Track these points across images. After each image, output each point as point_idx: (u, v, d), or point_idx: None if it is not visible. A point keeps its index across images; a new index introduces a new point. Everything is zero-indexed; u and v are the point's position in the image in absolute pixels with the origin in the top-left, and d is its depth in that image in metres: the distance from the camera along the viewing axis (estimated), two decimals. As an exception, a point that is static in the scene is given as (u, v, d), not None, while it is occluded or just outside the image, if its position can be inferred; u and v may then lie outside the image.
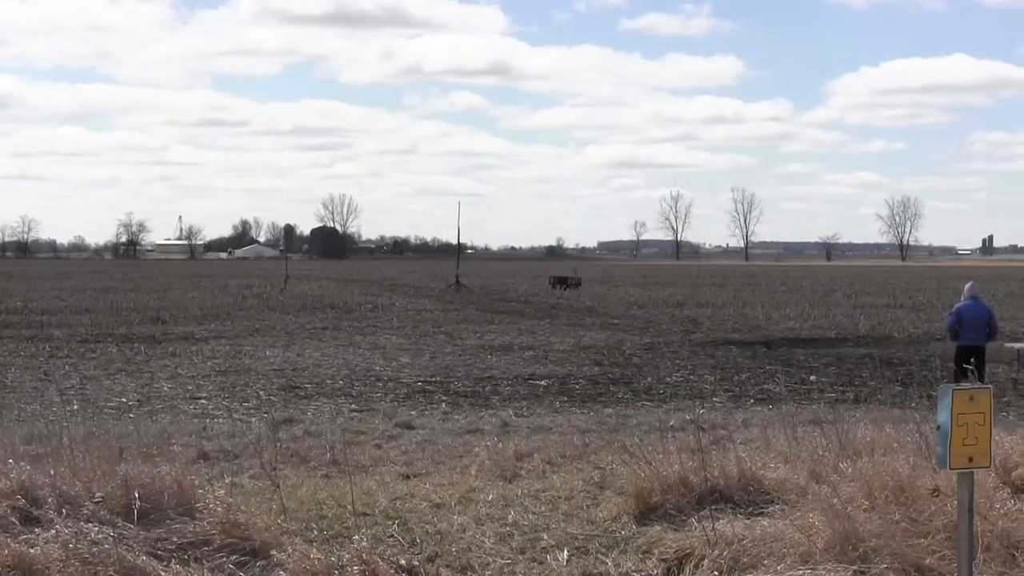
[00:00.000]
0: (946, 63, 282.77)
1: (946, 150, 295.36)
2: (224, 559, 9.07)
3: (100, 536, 8.93)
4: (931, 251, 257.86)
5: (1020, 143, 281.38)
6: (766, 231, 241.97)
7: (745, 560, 9.89)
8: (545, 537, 10.86)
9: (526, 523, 11.33)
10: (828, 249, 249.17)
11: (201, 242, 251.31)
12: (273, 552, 9.15)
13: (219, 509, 9.78)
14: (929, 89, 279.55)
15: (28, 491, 9.68)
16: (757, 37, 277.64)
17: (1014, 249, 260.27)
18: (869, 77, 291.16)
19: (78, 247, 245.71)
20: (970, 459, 8.25)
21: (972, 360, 21.09)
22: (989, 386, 9.12)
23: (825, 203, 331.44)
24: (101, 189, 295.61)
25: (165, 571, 8.70)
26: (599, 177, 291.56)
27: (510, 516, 11.56)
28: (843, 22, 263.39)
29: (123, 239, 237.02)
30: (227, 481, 11.65)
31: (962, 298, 22.11)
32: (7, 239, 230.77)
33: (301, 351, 32.82)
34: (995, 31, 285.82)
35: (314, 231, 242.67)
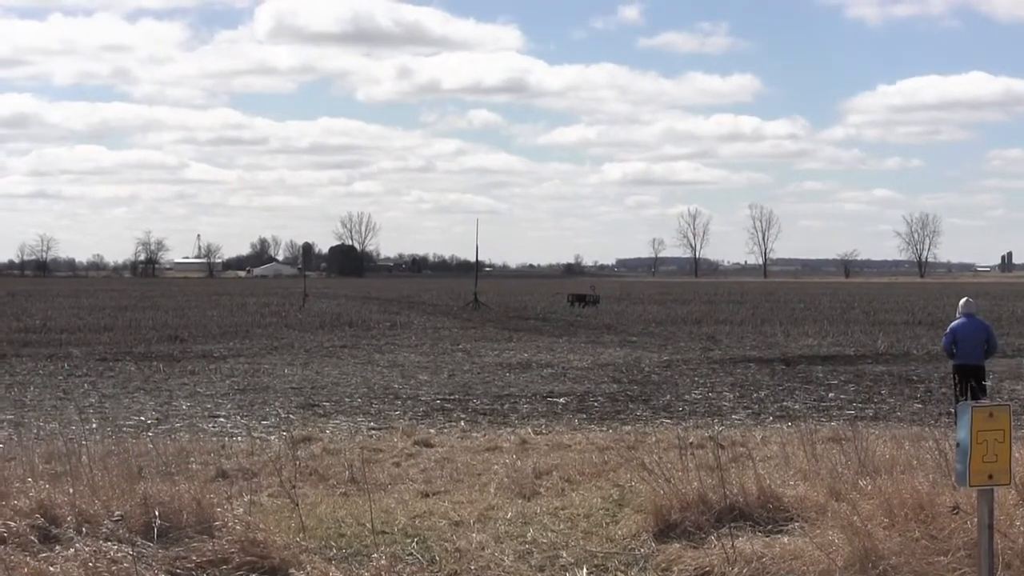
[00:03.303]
0: (962, 80, 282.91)
1: (963, 167, 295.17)
2: (243, 576, 9.07)
3: (119, 555, 8.94)
4: (950, 268, 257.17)
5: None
6: (784, 248, 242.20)
7: (765, 577, 9.90)
8: (564, 555, 10.85)
9: (545, 541, 11.31)
10: (846, 266, 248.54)
11: (219, 260, 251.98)
12: (292, 571, 9.16)
13: (238, 527, 9.79)
14: (945, 106, 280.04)
15: (47, 509, 9.70)
16: (774, 55, 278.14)
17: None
18: (885, 94, 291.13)
19: (96, 265, 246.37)
20: (990, 476, 8.24)
21: (971, 378, 21.15)
22: (1008, 404, 9.11)
23: (843, 220, 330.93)
24: (119, 207, 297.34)
25: (184, 589, 8.72)
26: (616, 194, 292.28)
27: (529, 534, 11.55)
28: (859, 40, 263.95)
29: (141, 257, 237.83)
30: (246, 499, 11.65)
31: (959, 314, 21.98)
32: (26, 258, 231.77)
33: (320, 369, 32.82)
34: (1011, 48, 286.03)
35: (332, 249, 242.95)
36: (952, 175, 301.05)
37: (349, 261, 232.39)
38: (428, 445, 18.01)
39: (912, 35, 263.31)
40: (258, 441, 18.41)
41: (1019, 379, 26.86)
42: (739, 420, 21.54)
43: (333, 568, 8.94)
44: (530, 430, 19.98)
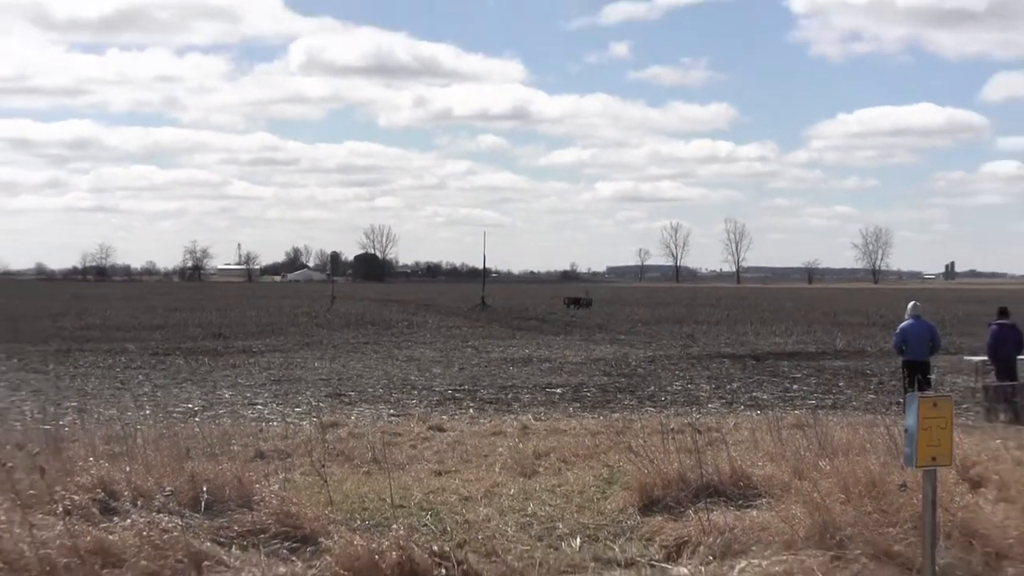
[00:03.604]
0: (912, 110, 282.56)
1: (912, 187, 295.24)
2: (278, 545, 9.09)
3: (170, 525, 8.96)
4: (900, 275, 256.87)
5: (976, 181, 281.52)
6: (755, 257, 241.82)
7: (736, 547, 9.89)
8: (560, 526, 10.86)
9: (543, 514, 11.32)
10: (809, 274, 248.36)
11: (257, 267, 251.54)
12: (321, 539, 9.17)
13: (274, 501, 9.80)
14: (897, 133, 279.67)
15: (107, 485, 9.72)
16: (747, 87, 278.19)
17: (973, 274, 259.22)
18: (845, 122, 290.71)
19: (149, 271, 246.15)
20: (933, 458, 8.27)
21: (918, 373, 21.17)
22: (950, 395, 9.14)
23: (807, 233, 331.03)
24: (169, 220, 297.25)
25: (227, 555, 8.72)
26: (607, 209, 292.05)
27: (529, 508, 11.56)
28: (822, 74, 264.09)
29: (188, 264, 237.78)
30: (281, 477, 11.70)
31: (907, 316, 21.98)
32: (87, 264, 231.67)
33: (345, 363, 32.88)
34: (956, 82, 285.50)
35: (357, 257, 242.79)
36: (903, 194, 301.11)
37: (371, 268, 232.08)
38: (441, 430, 18.03)
39: (869, 70, 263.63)
40: (291, 426, 18.43)
41: (959, 373, 26.84)
42: (714, 409, 21.56)
43: (357, 537, 8.95)
44: (530, 417, 19.99)
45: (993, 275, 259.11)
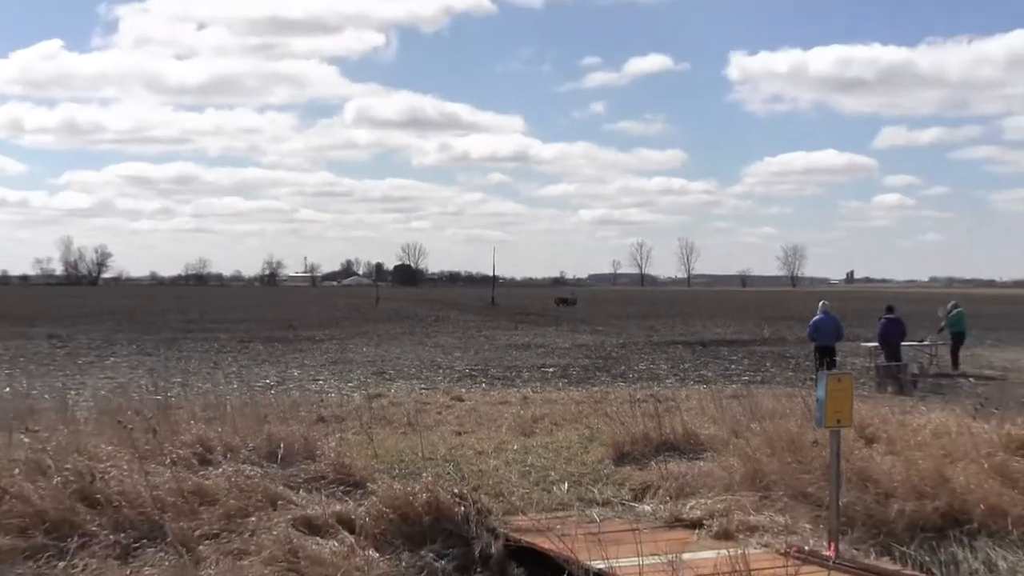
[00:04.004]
0: (820, 155, 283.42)
1: (821, 213, 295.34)
2: (335, 488, 9.09)
3: (252, 473, 8.98)
4: (812, 281, 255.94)
5: (869, 209, 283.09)
6: (701, 267, 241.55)
7: (687, 489, 9.90)
8: (552, 474, 10.87)
9: (539, 464, 11.33)
10: (743, 279, 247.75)
11: (319, 275, 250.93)
12: (368, 484, 9.18)
13: (331, 455, 9.81)
14: (809, 172, 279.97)
15: (204, 442, 9.74)
16: (695, 137, 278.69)
17: (867, 279, 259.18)
18: (770, 164, 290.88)
19: (236, 278, 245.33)
20: (838, 421, 8.27)
21: (827, 356, 21.18)
22: (850, 373, 9.14)
23: (741, 248, 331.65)
24: (252, 238, 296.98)
25: (295, 496, 8.73)
26: (587, 230, 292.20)
27: (528, 460, 11.57)
28: (752, 126, 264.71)
29: (266, 272, 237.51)
30: (337, 436, 11.70)
31: (818, 312, 22.00)
32: (189, 272, 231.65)
33: (387, 348, 32.90)
34: (852, 133, 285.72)
35: (395, 267, 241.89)
36: (813, 218, 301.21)
37: (407, 275, 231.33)
38: (460, 400, 18.04)
39: (787, 124, 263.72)
40: (345, 397, 18.47)
41: (857, 356, 26.81)
42: (671, 383, 21.55)
43: (396, 483, 8.95)
44: (529, 390, 19.99)
45: (883, 280, 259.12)
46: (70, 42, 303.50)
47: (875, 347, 24.10)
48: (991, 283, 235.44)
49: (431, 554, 7.87)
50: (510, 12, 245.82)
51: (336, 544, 7.81)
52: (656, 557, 7.48)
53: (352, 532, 8.07)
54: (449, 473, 10.47)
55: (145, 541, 7.70)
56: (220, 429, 10.15)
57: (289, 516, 8.20)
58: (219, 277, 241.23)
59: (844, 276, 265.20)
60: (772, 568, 7.29)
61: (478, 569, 7.89)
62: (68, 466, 8.53)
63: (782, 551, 8.14)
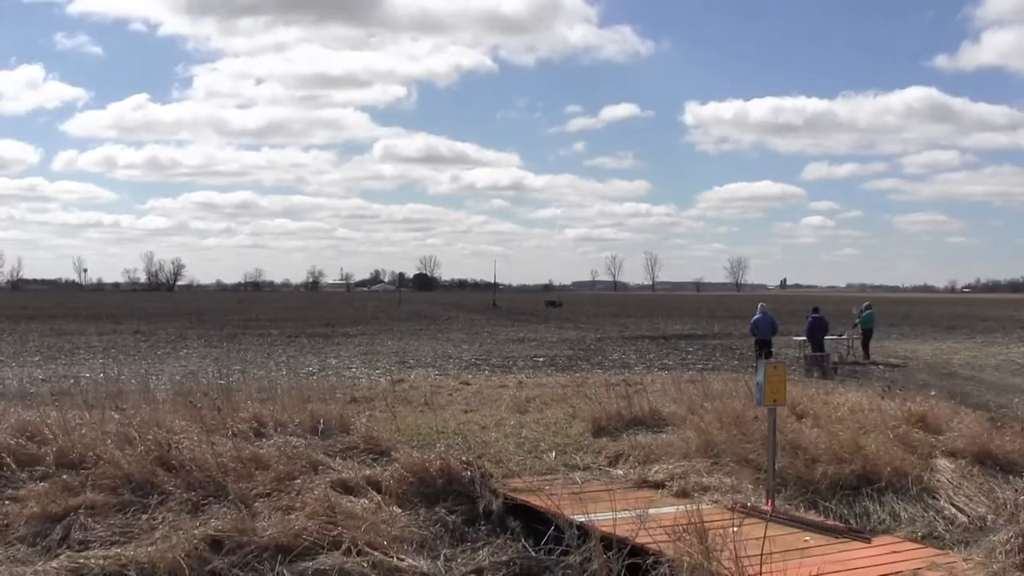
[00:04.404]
0: (759, 185, 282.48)
1: (760, 232, 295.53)
2: (365, 456, 9.05)
3: (297, 443, 8.96)
4: (753, 287, 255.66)
5: (798, 229, 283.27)
6: (664, 275, 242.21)
7: (652, 457, 9.89)
8: (542, 444, 10.84)
9: (532, 437, 11.30)
10: (697, 286, 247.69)
11: (353, 282, 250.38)
12: (392, 453, 9.16)
13: (362, 429, 9.79)
14: (750, 199, 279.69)
15: (259, 418, 9.72)
16: (659, 169, 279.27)
17: (797, 286, 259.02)
18: (719, 192, 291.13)
19: (285, 285, 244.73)
20: (774, 400, 8.27)
21: (765, 348, 21.20)
22: (784, 362, 9.13)
23: (696, 261, 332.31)
24: (298, 253, 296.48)
25: (333, 463, 8.70)
26: (572, 245, 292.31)
27: (523, 433, 11.54)
28: (704, 162, 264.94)
29: (310, 280, 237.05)
30: (367, 414, 11.65)
31: (757, 312, 22.00)
32: (247, 280, 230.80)
33: (408, 342, 32.83)
34: (785, 168, 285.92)
35: (415, 276, 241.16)
36: (754, 236, 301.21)
37: (424, 283, 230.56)
38: (467, 384, 17.99)
39: (733, 160, 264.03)
40: (373, 381, 18.39)
41: (789, 347, 26.80)
42: (639, 370, 21.50)
43: (415, 452, 8.92)
44: (524, 376, 19.95)
45: (809, 286, 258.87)
46: (155, 95, 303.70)
47: (803, 340, 24.09)
48: (895, 288, 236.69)
49: (443, 510, 7.84)
50: (508, 70, 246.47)
51: (366, 502, 7.79)
52: (627, 512, 7.47)
53: (379, 492, 8.04)
54: (458, 444, 10.44)
55: (211, 499, 7.68)
56: (272, 408, 10.13)
57: (328, 479, 8.17)
58: (271, 284, 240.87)
59: (779, 283, 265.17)
60: (721, 520, 7.27)
61: (482, 523, 7.85)
62: (149, 437, 8.51)
63: (729, 507, 8.13)
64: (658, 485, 9.01)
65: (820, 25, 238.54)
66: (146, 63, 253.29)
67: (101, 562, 6.62)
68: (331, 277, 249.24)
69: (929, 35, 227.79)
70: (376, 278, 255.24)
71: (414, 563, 6.88)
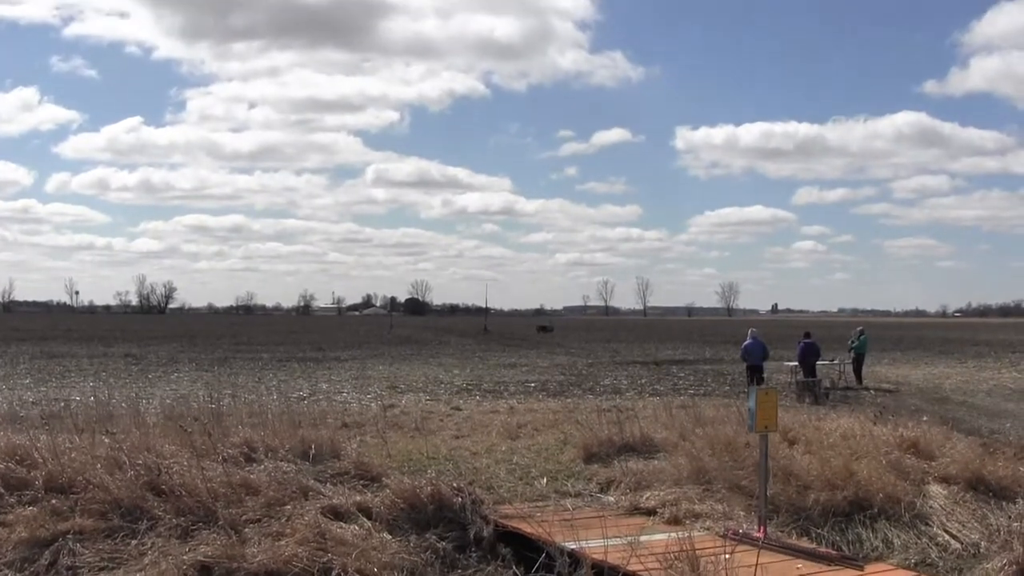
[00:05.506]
0: (750, 209, 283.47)
1: (751, 257, 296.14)
2: (356, 482, 9.01)
3: (288, 469, 8.91)
4: (744, 312, 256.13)
5: (790, 253, 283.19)
6: (655, 300, 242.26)
7: (643, 483, 9.85)
8: (533, 470, 10.81)
9: (523, 463, 11.27)
10: (689, 311, 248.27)
11: (345, 306, 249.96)
12: (383, 479, 9.11)
13: (353, 454, 9.74)
14: (741, 223, 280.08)
15: (249, 443, 9.67)
16: (651, 194, 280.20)
17: (788, 311, 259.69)
18: (710, 217, 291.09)
19: (277, 309, 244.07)
20: (766, 426, 8.26)
21: (756, 373, 21.23)
22: (775, 388, 9.14)
23: (688, 285, 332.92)
24: (290, 276, 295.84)
25: (324, 488, 8.66)
26: (563, 270, 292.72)
27: (514, 459, 11.50)
28: (695, 187, 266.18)
29: (302, 304, 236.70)
30: (357, 439, 11.61)
31: (748, 337, 22.03)
32: (239, 304, 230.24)
33: (399, 367, 32.71)
34: (775, 192, 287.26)
35: (406, 300, 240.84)
36: (745, 261, 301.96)
37: (416, 307, 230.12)
38: (458, 409, 17.94)
39: (723, 185, 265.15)
40: (364, 406, 18.32)
41: (781, 372, 26.81)
42: (630, 396, 21.46)
43: (405, 478, 8.88)
44: (515, 401, 19.91)
45: (801, 311, 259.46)
46: (148, 118, 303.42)
47: (795, 366, 24.11)
48: (887, 313, 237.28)
49: (434, 536, 7.80)
50: (500, 95, 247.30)
51: (357, 528, 7.74)
52: (618, 539, 7.42)
53: (370, 518, 7.99)
54: (449, 470, 10.40)
55: (201, 524, 7.62)
56: (262, 432, 10.07)
57: (318, 505, 8.12)
58: (263, 308, 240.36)
59: (770, 308, 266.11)
60: (713, 548, 7.24)
61: (473, 549, 7.81)
62: (139, 462, 8.45)
63: (721, 533, 8.09)
64: (650, 512, 8.97)
65: (810, 50, 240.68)
66: (140, 86, 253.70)
67: (88, 589, 6.55)
68: (323, 301, 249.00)
69: (918, 60, 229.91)
70: (368, 302, 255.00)
71: (405, 590, 6.83)
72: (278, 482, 8.47)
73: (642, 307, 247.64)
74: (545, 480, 10.30)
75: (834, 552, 7.93)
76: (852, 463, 9.45)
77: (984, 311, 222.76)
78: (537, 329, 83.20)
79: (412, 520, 8.01)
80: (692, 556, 6.44)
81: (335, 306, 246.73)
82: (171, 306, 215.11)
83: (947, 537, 8.48)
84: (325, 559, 7.02)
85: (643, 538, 7.54)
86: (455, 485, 8.55)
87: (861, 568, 7.51)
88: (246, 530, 7.52)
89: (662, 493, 9.35)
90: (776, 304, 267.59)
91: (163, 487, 8.05)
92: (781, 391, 21.26)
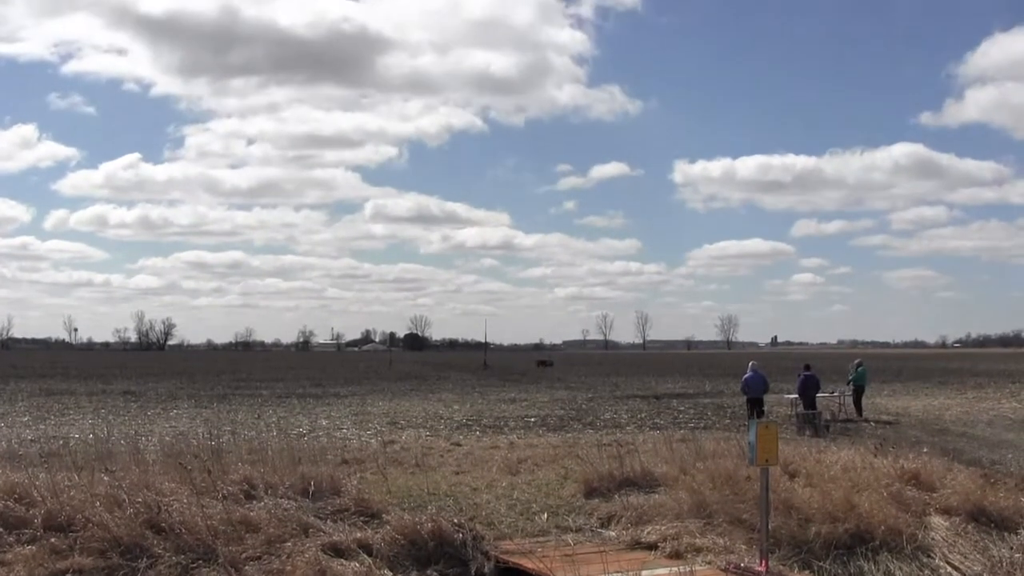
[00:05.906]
0: (749, 242, 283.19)
1: (750, 289, 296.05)
2: (356, 519, 8.97)
3: (288, 506, 8.87)
4: (744, 345, 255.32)
5: (788, 286, 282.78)
6: (654, 334, 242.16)
7: (644, 518, 9.81)
8: (534, 506, 10.74)
9: (524, 498, 11.19)
10: (688, 344, 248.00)
11: (344, 342, 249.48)
12: (383, 515, 9.08)
13: (353, 491, 9.71)
14: (740, 256, 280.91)
15: (249, 480, 9.64)
16: (649, 228, 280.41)
17: (788, 343, 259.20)
18: (708, 250, 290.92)
19: (276, 345, 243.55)
20: (767, 460, 8.26)
21: (756, 406, 21.18)
22: (776, 421, 9.15)
23: (687, 319, 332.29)
24: (289, 313, 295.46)
25: (324, 525, 8.63)
26: (563, 304, 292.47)
27: (515, 495, 11.43)
28: (693, 220, 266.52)
29: (301, 340, 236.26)
30: (358, 476, 11.55)
31: (748, 370, 22.01)
32: (238, 340, 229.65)
33: (399, 403, 32.55)
34: (774, 225, 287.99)
35: (406, 335, 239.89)
36: (744, 294, 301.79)
37: (415, 342, 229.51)
38: (458, 445, 17.84)
39: (722, 218, 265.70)
40: (364, 442, 18.23)
41: (781, 405, 26.75)
42: (630, 430, 21.36)
43: (406, 514, 8.85)
44: (515, 437, 19.80)
45: (800, 343, 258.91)
46: (146, 155, 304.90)
47: (795, 398, 24.06)
48: (886, 344, 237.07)
49: (435, 573, 7.77)
50: (498, 130, 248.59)
51: (357, 565, 7.71)
52: (620, 574, 7.41)
53: (370, 555, 7.96)
54: (449, 506, 10.34)
55: (201, 562, 7.59)
56: (262, 469, 10.03)
57: (319, 542, 8.10)
58: (262, 344, 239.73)
59: (769, 340, 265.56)
60: (714, 581, 7.21)
61: (474, 584, 7.77)
62: (139, 499, 8.43)
63: (723, 568, 8.06)
64: (651, 546, 8.93)
65: (806, 83, 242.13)
66: (138, 123, 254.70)
67: (88, 628, 6.51)
68: (322, 337, 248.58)
69: (913, 93, 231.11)
70: (367, 338, 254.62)
71: (406, 627, 6.79)
72: (278, 519, 8.44)
73: (641, 340, 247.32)
74: (546, 515, 10.25)
75: (836, 585, 7.90)
76: (853, 495, 9.44)
77: (983, 341, 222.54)
78: (537, 364, 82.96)
79: (413, 556, 7.98)
80: (694, 590, 6.41)
81: (334, 342, 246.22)
82: (170, 343, 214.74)
83: (949, 569, 8.45)
84: (325, 596, 6.99)
85: (644, 573, 7.52)
86: (456, 521, 8.52)
87: (864, 601, 7.48)
88: (246, 568, 7.49)
89: (663, 527, 9.31)
90: (776, 336, 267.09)
91: (163, 525, 8.03)
92: (781, 424, 21.23)
